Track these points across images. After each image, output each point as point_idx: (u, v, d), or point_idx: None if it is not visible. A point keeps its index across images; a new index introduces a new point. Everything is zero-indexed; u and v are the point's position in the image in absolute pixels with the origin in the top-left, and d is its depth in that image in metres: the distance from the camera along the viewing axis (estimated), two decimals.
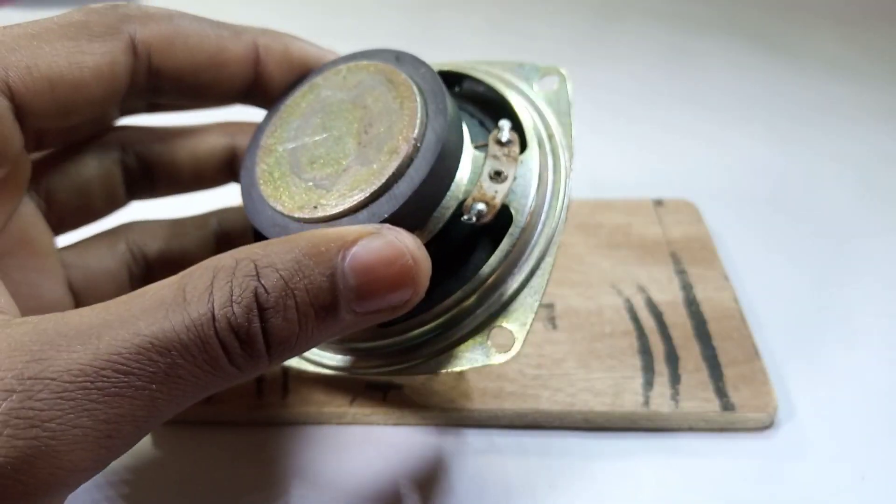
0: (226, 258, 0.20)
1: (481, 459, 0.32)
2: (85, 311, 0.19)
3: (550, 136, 0.27)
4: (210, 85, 0.27)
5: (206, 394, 0.20)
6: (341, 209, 0.23)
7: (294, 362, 0.29)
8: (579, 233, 0.42)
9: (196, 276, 0.19)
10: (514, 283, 0.25)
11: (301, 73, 0.28)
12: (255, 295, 0.19)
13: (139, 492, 0.31)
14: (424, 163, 0.23)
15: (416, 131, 0.23)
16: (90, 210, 0.29)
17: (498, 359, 0.25)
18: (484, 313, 0.25)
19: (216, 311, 0.18)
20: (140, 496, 0.31)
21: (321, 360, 0.27)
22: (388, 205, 0.22)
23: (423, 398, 0.33)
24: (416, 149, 0.23)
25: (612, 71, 0.67)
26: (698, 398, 0.33)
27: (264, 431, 0.33)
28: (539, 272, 0.25)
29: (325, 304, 0.20)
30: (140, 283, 0.29)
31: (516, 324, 0.25)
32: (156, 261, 0.30)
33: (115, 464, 0.32)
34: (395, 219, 0.22)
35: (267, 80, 0.27)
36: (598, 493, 0.31)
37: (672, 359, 0.35)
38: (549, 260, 0.25)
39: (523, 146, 0.26)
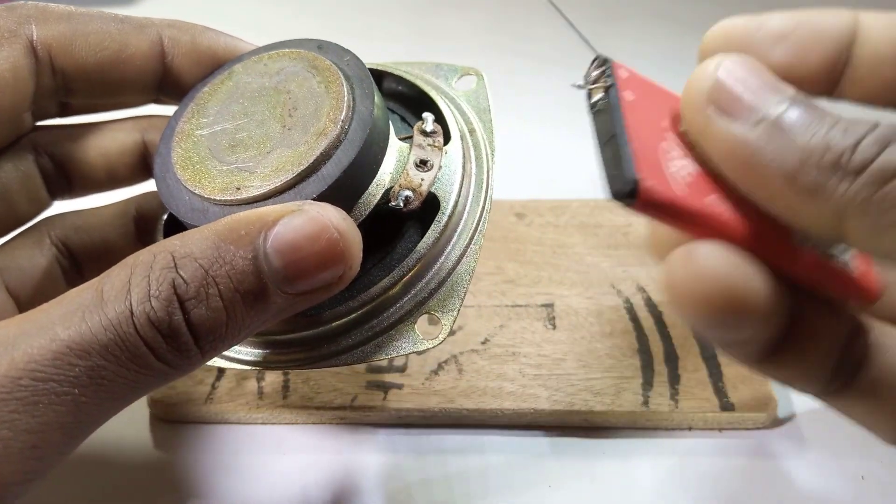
0: (144, 254, 0.19)
1: (481, 459, 0.32)
2: (3, 324, 0.18)
3: (472, 131, 0.28)
4: (118, 82, 0.26)
5: (142, 393, 0.19)
6: (265, 190, 0.22)
7: None
8: (579, 233, 0.43)
9: (114, 276, 0.19)
10: (441, 271, 0.25)
11: (212, 64, 0.27)
12: (174, 286, 0.18)
13: (139, 491, 0.31)
14: (353, 145, 0.23)
15: (344, 113, 0.23)
16: (15, 215, 0.28)
17: (425, 345, 0.24)
18: (411, 301, 0.25)
19: (134, 308, 0.18)
20: (140, 495, 0.31)
21: (236, 354, 0.26)
22: (314, 186, 0.22)
23: (424, 398, 0.33)
24: (345, 130, 0.23)
25: None
26: (697, 398, 0.33)
27: (264, 431, 0.33)
28: (466, 258, 0.25)
29: (251, 288, 0.19)
30: (71, 277, 0.29)
31: (444, 310, 0.25)
32: (80, 253, 0.29)
33: (115, 463, 0.32)
34: (322, 201, 0.22)
35: (177, 74, 0.27)
36: (598, 492, 0.31)
37: (671, 358, 0.35)
38: (474, 247, 0.25)
39: (447, 139, 0.26)
